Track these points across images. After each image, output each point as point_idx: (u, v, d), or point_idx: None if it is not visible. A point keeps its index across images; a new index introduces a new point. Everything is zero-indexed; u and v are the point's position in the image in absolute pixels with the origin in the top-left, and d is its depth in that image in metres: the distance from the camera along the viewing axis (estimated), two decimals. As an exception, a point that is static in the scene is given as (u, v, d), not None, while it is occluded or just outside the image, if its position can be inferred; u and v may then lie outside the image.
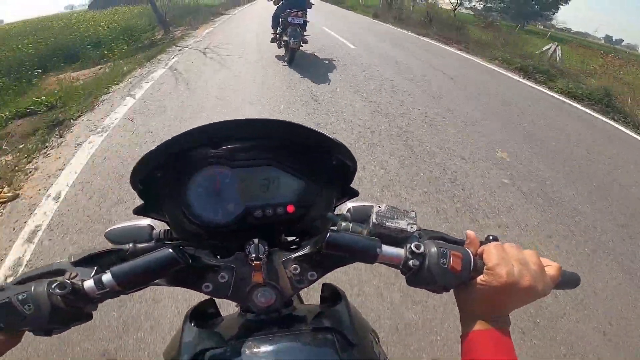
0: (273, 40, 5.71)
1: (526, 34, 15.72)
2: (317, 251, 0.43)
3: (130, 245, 0.46)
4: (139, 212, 0.50)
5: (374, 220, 0.41)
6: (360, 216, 0.55)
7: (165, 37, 8.69)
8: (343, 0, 23.17)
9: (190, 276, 0.43)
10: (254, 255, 0.42)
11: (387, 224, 0.40)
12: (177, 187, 0.46)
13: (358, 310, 0.54)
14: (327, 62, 5.86)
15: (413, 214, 0.42)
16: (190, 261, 0.41)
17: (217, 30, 9.14)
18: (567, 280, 0.43)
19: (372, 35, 9.36)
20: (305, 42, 5.22)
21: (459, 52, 8.52)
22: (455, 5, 17.00)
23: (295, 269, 0.44)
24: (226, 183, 0.46)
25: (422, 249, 0.38)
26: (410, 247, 0.39)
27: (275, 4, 5.48)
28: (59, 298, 0.35)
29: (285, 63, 5.28)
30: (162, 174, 0.46)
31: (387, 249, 0.39)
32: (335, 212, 0.55)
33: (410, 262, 0.38)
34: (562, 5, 39.42)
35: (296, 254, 0.45)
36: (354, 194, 0.56)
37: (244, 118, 0.43)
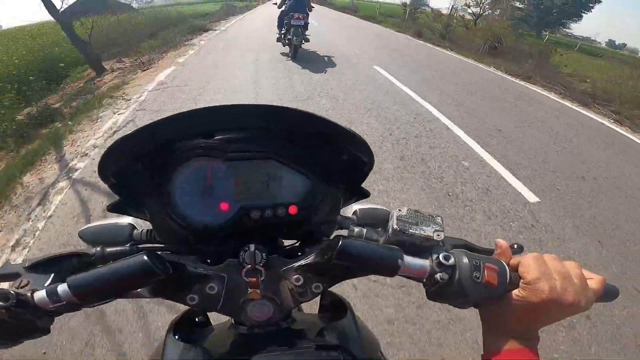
0: (278, 40, 6.23)
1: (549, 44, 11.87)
2: (326, 261, 0.35)
3: (98, 248, 0.41)
4: (115, 209, 0.42)
5: (395, 226, 0.36)
6: (367, 220, 0.52)
7: (80, 94, 4.60)
8: (357, 8, 19.33)
9: (172, 286, 0.36)
10: (249, 265, 0.36)
11: (410, 230, 0.36)
12: (159, 181, 0.39)
13: (365, 324, 0.49)
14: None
15: (439, 219, 0.37)
16: (171, 270, 0.33)
17: (185, 72, 4.97)
18: (608, 293, 0.37)
19: (471, 92, 5.22)
20: (307, 40, 5.89)
21: (624, 132, 4.60)
22: (478, 16, 13.38)
23: (297, 279, 0.37)
24: (218, 179, 0.39)
25: (452, 261, 0.33)
26: (438, 258, 0.34)
27: (279, 7, 6.15)
28: (3, 311, 0.29)
29: (289, 58, 5.87)
30: (143, 165, 0.39)
31: (409, 260, 0.34)
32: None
33: (438, 276, 0.33)
34: (584, 13, 36.52)
35: (299, 263, 0.38)
36: (363, 195, 0.49)
37: (242, 103, 0.36)
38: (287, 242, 0.47)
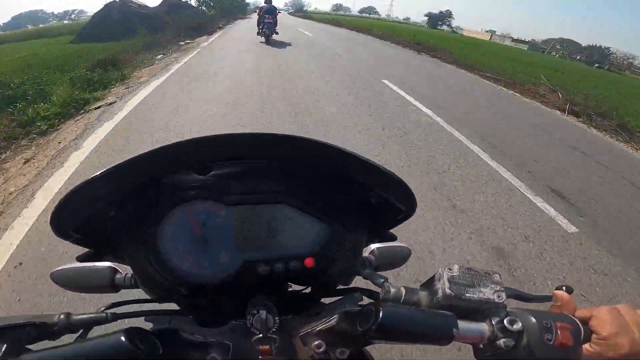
0: (258, 34, 10.27)
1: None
2: (361, 333, 0.29)
3: (62, 316, 0.32)
4: (87, 259, 0.37)
5: (448, 291, 0.31)
6: (386, 260, 0.48)
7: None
8: (369, 28, 19.51)
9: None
10: (260, 333, 0.30)
11: (466, 295, 0.31)
12: (142, 229, 0.33)
13: None
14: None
15: (497, 277, 0.32)
16: (160, 349, 0.28)
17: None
18: None
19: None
20: (276, 33, 10.32)
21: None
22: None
23: (319, 345, 0.32)
24: (216, 226, 0.34)
25: (518, 325, 0.29)
26: (503, 322, 0.30)
27: (258, 15, 10.53)
28: None
29: (264, 41, 9.91)
30: (117, 212, 0.33)
31: (464, 325, 0.30)
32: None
33: (502, 342, 0.29)
34: None
35: (320, 327, 0.33)
36: (390, 238, 0.45)
37: (247, 132, 0.30)
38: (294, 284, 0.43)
